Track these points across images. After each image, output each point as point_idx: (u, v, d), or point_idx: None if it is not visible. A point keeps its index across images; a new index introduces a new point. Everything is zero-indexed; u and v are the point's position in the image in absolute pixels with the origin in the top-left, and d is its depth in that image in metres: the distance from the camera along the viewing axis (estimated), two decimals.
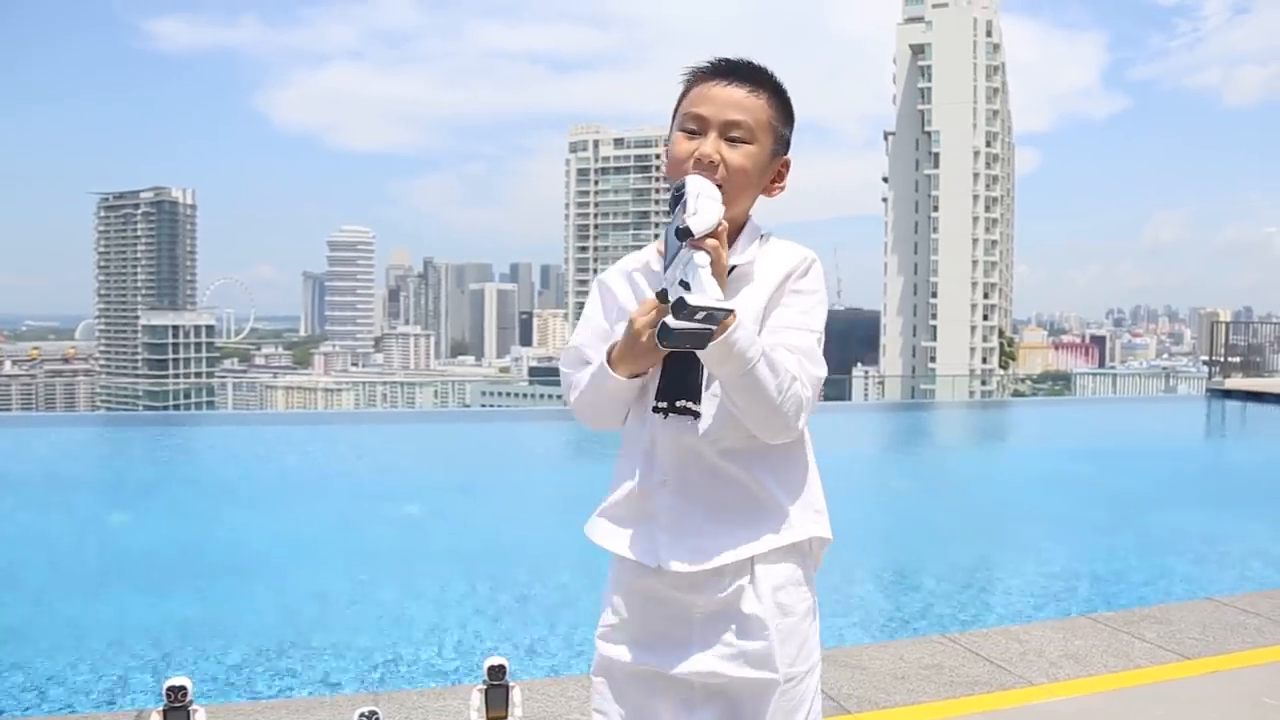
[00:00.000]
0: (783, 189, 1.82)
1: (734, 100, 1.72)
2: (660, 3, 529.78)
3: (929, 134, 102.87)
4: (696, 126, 1.73)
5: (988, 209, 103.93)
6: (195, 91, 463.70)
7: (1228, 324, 21.40)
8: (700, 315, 1.43)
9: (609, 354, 1.70)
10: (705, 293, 1.45)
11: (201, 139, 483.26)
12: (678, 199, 1.57)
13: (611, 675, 1.79)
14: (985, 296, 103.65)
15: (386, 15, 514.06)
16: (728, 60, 1.76)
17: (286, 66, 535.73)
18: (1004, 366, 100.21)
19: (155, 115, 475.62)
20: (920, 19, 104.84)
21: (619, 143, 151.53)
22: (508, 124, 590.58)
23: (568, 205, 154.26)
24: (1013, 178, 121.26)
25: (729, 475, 1.71)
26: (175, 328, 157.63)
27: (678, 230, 1.49)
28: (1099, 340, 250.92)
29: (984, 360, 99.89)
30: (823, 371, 1.69)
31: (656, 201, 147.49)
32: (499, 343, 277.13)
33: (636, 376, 1.70)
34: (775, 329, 1.67)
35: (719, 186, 1.64)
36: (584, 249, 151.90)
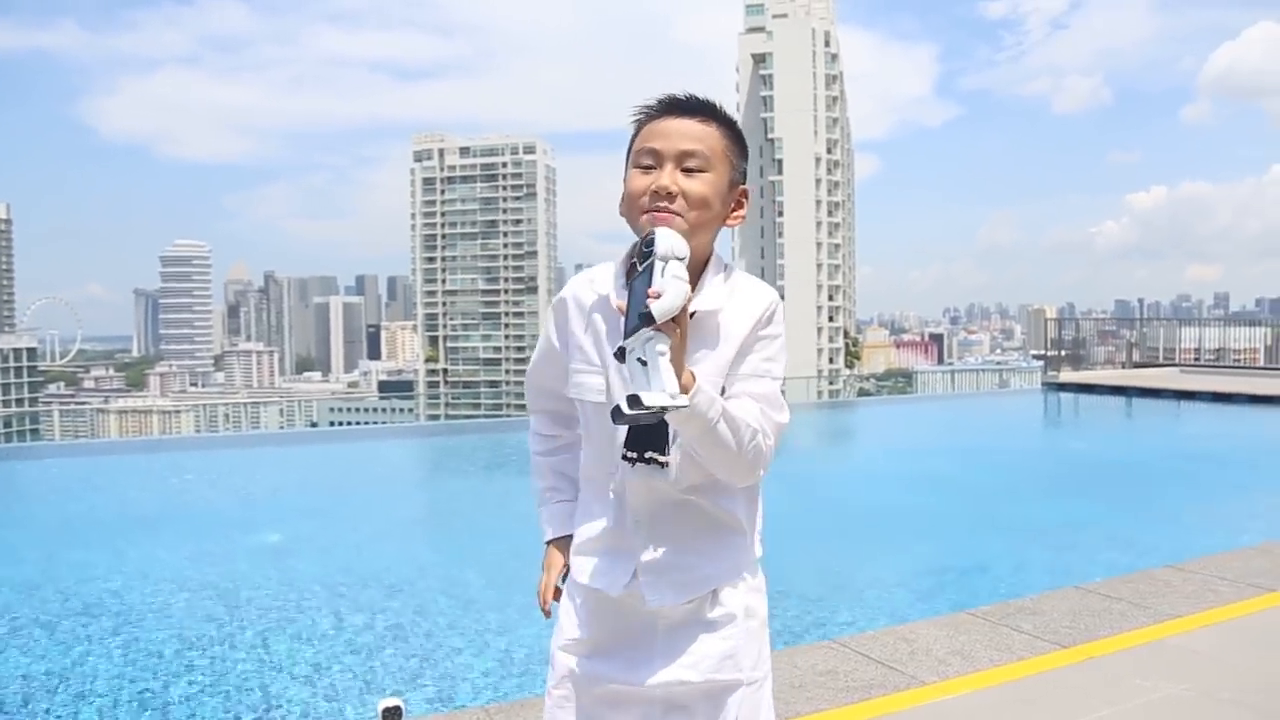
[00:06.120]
0: (742, 218, 1.80)
1: (686, 131, 1.70)
2: (502, 10, 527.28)
3: (772, 141, 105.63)
4: (652, 161, 1.70)
5: (830, 213, 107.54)
6: (7, 99, 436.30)
7: (1058, 321, 22.72)
8: (655, 410, 1.45)
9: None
10: (663, 385, 1.45)
11: (16, 150, 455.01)
12: (645, 256, 1.54)
13: (571, 688, 1.78)
14: (830, 298, 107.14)
15: (220, 21, 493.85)
16: (675, 96, 1.75)
17: (112, 73, 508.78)
18: (850, 366, 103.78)
19: None
20: (761, 29, 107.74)
21: (465, 151, 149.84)
22: (349, 133, 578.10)
23: (414, 215, 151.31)
24: (853, 183, 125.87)
25: (698, 508, 1.74)
26: None
27: (640, 315, 1.47)
28: (937, 338, 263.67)
29: (830, 360, 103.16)
30: (785, 417, 1.72)
31: (504, 210, 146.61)
32: (347, 357, 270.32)
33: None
34: (741, 376, 1.69)
35: (679, 216, 1.65)
36: (431, 259, 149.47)
